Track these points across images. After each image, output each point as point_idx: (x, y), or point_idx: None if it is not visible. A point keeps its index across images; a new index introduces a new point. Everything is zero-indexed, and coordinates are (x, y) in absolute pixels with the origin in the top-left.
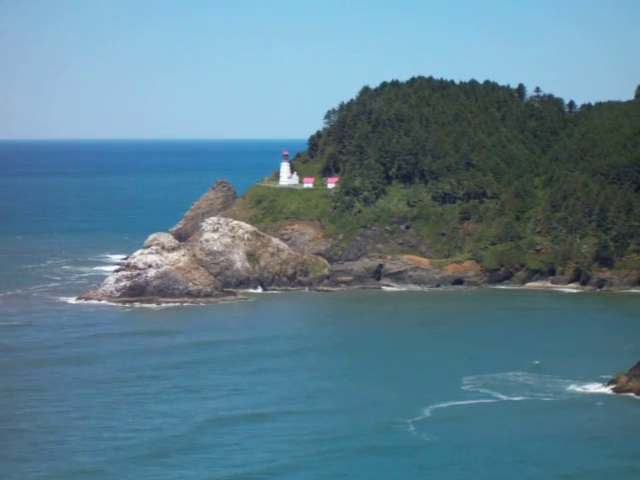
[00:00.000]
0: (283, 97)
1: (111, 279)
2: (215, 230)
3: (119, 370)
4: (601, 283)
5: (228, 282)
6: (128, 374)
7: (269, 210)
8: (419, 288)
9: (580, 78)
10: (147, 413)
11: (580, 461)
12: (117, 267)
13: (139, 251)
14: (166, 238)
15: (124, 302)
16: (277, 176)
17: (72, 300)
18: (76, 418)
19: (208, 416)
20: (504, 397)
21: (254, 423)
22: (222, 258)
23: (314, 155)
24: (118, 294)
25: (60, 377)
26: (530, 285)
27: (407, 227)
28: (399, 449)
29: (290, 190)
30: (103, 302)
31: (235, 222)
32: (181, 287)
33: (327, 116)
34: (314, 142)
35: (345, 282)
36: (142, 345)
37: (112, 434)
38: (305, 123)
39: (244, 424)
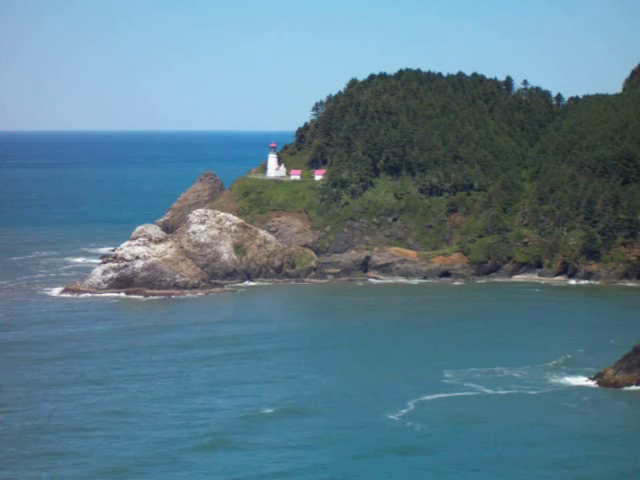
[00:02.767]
0: (271, 89)
1: (98, 270)
2: (202, 222)
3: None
4: (588, 276)
5: (215, 274)
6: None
7: (256, 202)
8: (406, 280)
9: (568, 71)
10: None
11: (573, 460)
12: (104, 258)
13: (126, 243)
14: (153, 230)
15: (111, 294)
16: (264, 168)
17: (59, 292)
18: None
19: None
20: (489, 391)
21: (256, 422)
22: (209, 250)
23: (301, 147)
24: (105, 286)
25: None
26: (517, 278)
27: (394, 219)
28: (403, 449)
29: (277, 182)
30: (90, 294)
31: (222, 214)
32: (168, 279)
33: (315, 108)
34: (302, 134)
35: (332, 274)
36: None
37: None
38: (293, 115)
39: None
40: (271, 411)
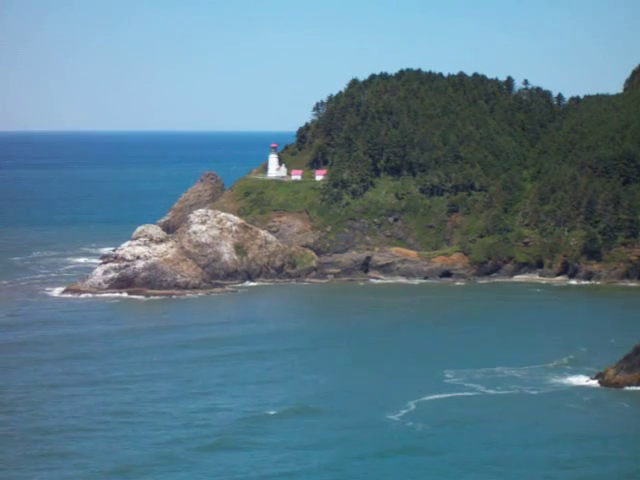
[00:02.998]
0: (272, 89)
1: (99, 271)
2: (203, 222)
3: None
4: (589, 276)
5: (216, 274)
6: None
7: (257, 202)
8: (407, 280)
9: (569, 71)
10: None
11: (574, 460)
12: (105, 259)
13: (127, 243)
14: (154, 230)
15: (112, 294)
16: (265, 168)
17: (59, 292)
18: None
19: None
20: (490, 391)
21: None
22: (210, 250)
23: (302, 147)
24: (106, 286)
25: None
26: (518, 278)
27: (395, 219)
28: (404, 450)
29: (278, 182)
30: (90, 294)
31: (223, 214)
32: (169, 279)
33: (315, 108)
34: (302, 134)
35: (333, 274)
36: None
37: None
38: (293, 115)
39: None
40: (273, 412)
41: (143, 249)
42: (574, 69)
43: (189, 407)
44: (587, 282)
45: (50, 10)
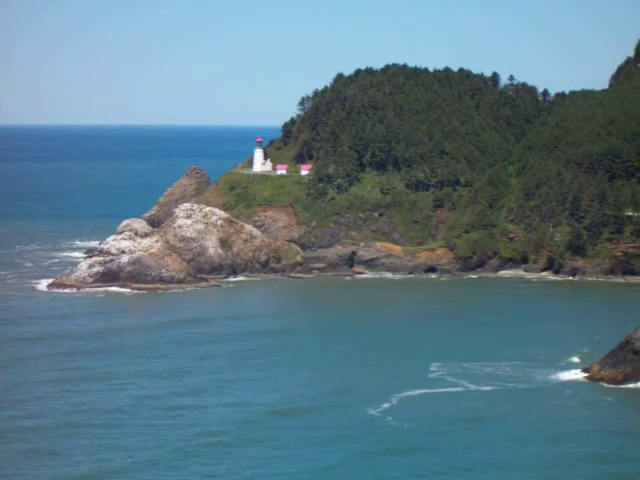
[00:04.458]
0: (257, 84)
1: (84, 265)
2: (188, 216)
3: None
4: (574, 272)
5: (201, 268)
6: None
7: (242, 197)
8: (392, 275)
9: (554, 66)
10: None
11: (561, 459)
12: (90, 252)
13: (112, 237)
14: (139, 224)
15: (97, 288)
16: (251, 163)
17: (44, 286)
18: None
19: None
20: (473, 386)
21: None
22: (195, 244)
23: (288, 142)
24: (91, 280)
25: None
26: (503, 273)
27: (380, 214)
28: (392, 449)
29: (263, 177)
30: (75, 288)
31: (208, 208)
32: (154, 273)
33: (301, 103)
34: (288, 129)
35: (318, 269)
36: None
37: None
38: (279, 110)
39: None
40: (259, 411)
41: (128, 243)
42: (560, 65)
43: (175, 406)
44: (572, 278)
45: (37, 6)
